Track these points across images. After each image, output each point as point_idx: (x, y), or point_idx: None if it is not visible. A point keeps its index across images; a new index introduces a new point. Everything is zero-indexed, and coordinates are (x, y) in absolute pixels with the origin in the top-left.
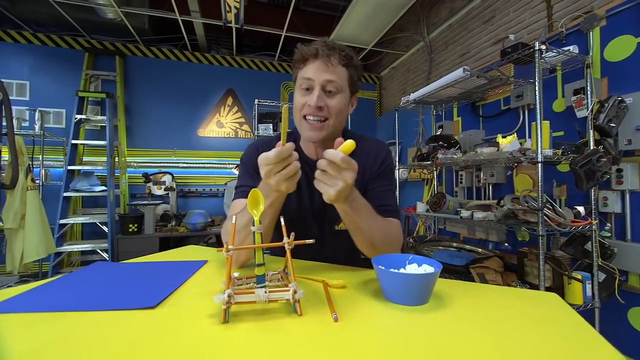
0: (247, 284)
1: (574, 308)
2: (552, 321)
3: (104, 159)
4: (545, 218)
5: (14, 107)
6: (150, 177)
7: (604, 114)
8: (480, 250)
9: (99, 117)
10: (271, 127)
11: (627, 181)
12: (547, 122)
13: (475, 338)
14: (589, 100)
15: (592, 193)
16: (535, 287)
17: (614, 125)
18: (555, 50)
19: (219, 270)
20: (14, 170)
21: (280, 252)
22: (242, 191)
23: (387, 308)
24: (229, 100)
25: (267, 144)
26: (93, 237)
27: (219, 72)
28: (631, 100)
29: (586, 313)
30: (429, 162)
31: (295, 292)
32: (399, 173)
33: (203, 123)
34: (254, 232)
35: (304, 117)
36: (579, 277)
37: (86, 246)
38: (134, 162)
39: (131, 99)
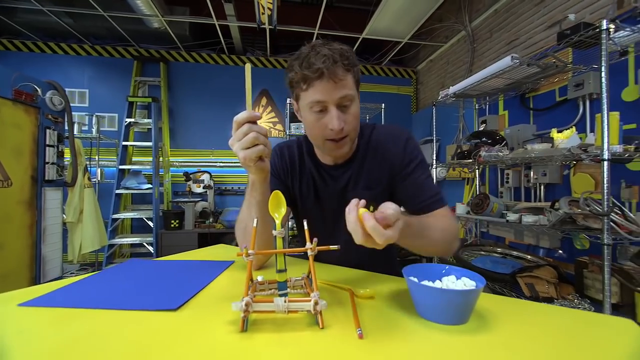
0: (269, 289)
1: None
2: (628, 357)
3: (150, 158)
4: (612, 225)
5: (76, 113)
6: (190, 175)
7: None
8: (529, 257)
9: (146, 120)
10: (302, 126)
11: None
12: (616, 112)
13: None
14: None
15: None
16: (597, 302)
17: None
18: (628, 29)
19: (244, 272)
20: (74, 170)
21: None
22: None
23: (419, 326)
24: (263, 101)
25: (286, 148)
26: (141, 231)
27: (254, 73)
28: None
29: None
30: (471, 160)
31: (316, 303)
32: (437, 172)
33: None
34: (275, 236)
35: (326, 139)
36: None
37: (134, 239)
38: (177, 161)
39: (174, 102)
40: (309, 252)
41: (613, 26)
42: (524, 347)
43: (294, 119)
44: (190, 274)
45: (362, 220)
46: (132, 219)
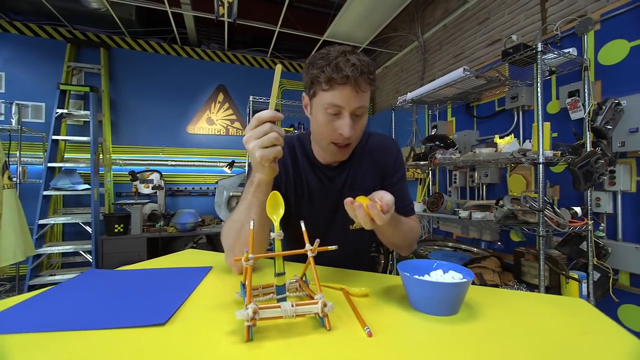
0: (264, 294)
1: None
2: (590, 330)
3: (87, 155)
4: (546, 219)
5: None
6: (137, 175)
7: (601, 116)
8: (475, 249)
9: (82, 112)
10: None
11: (619, 182)
12: (548, 123)
13: (520, 351)
14: (586, 103)
15: (588, 194)
16: (532, 286)
17: (610, 127)
18: (556, 52)
19: (226, 277)
20: None
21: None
22: None
23: (419, 319)
24: (220, 97)
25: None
26: (75, 237)
27: (210, 67)
28: (625, 103)
29: None
30: (426, 162)
31: (325, 305)
32: None
33: (193, 120)
34: (273, 238)
35: (332, 142)
36: (576, 276)
37: (67, 248)
38: (120, 159)
39: (117, 93)
40: (309, 254)
41: (543, 48)
42: (511, 331)
43: None
44: (167, 284)
45: (367, 210)
46: (64, 224)
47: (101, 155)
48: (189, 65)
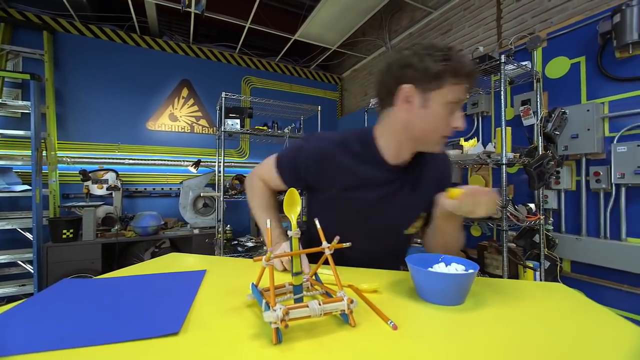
0: (276, 295)
1: None
2: (578, 309)
3: (27, 152)
4: (508, 214)
5: None
6: (90, 174)
7: (551, 123)
8: None
9: (20, 102)
10: (238, 122)
11: (563, 181)
12: (510, 128)
13: (532, 333)
14: (539, 111)
15: (540, 192)
16: (494, 276)
17: (558, 133)
18: (515, 64)
19: (226, 280)
20: None
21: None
22: (279, 165)
23: (433, 310)
24: (184, 92)
25: (327, 144)
26: (10, 245)
27: (173, 60)
28: (568, 112)
29: None
30: None
31: (351, 301)
32: None
33: (153, 115)
34: (291, 237)
35: (443, 135)
36: (531, 265)
37: (2, 258)
38: (67, 157)
39: (63, 83)
40: (327, 252)
41: (504, 60)
42: (515, 316)
43: (227, 114)
44: (163, 290)
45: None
46: None
47: (44, 152)
48: (149, 57)
